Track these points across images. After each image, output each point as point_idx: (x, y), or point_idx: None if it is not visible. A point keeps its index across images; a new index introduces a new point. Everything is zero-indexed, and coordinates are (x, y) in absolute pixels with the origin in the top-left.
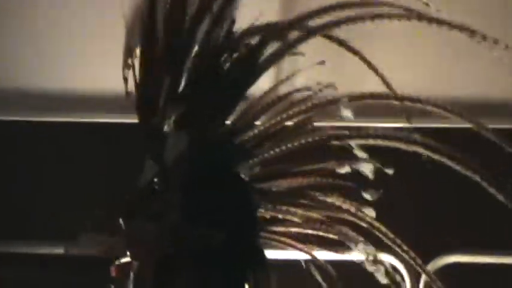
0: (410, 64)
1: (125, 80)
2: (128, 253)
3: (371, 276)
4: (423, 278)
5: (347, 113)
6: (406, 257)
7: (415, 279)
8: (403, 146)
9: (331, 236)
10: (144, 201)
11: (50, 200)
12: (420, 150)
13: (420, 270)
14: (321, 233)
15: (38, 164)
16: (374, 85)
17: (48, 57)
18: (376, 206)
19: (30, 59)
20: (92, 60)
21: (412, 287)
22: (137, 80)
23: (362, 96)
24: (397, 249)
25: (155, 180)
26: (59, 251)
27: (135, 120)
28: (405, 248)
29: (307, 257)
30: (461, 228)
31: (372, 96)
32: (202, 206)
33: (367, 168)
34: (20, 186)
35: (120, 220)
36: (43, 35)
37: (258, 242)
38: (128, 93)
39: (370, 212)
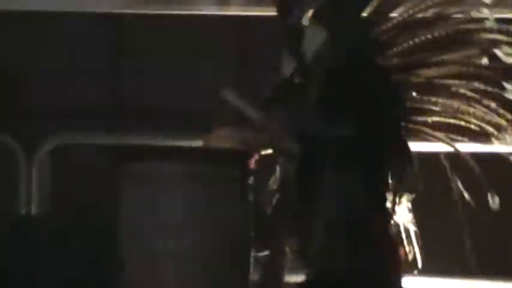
0: None
1: None
2: (271, 147)
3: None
4: None
5: None
6: None
7: None
8: None
9: (471, 126)
10: (285, 94)
11: (186, 95)
12: None
13: None
14: (462, 123)
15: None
16: None
17: None
18: None
19: None
20: None
21: None
22: None
23: None
24: None
25: (295, 73)
26: (196, 143)
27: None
28: None
29: (448, 148)
30: None
31: None
32: (342, 97)
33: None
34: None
35: (262, 113)
36: None
37: (401, 133)
38: None
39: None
